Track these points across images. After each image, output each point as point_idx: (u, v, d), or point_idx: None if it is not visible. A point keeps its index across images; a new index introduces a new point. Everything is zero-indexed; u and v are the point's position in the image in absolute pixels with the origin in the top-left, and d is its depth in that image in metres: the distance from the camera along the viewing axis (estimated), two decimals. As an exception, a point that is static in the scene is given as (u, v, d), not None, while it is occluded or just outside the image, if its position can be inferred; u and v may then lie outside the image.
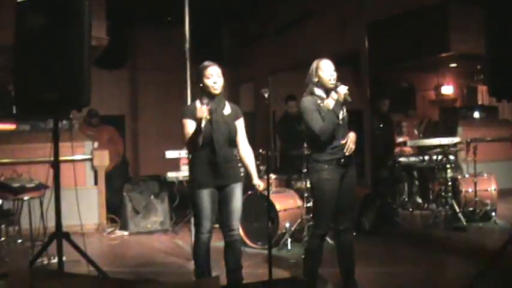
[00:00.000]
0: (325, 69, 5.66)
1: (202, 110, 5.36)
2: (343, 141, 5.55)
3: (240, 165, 8.42)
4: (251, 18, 14.76)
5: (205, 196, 5.58)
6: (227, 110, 5.76)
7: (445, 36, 10.82)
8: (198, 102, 5.65)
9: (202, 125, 5.36)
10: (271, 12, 14.05)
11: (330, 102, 5.52)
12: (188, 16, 7.77)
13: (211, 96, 5.58)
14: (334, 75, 5.63)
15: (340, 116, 5.59)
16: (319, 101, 5.60)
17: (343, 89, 5.52)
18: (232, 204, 5.71)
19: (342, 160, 5.57)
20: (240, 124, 5.83)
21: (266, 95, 5.57)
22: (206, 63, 5.70)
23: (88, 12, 5.61)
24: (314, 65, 5.74)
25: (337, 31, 11.80)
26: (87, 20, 5.61)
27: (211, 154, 5.56)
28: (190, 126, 5.56)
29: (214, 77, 5.60)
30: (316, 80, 5.69)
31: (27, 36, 5.61)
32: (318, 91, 5.68)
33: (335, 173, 5.60)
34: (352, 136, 5.59)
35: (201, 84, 5.66)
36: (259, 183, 5.85)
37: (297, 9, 13.04)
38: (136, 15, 13.98)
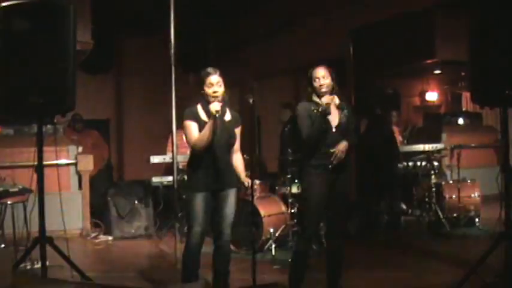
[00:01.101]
0: (316, 78, 5.70)
1: (215, 105, 5.43)
2: (332, 150, 5.57)
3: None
4: (236, 25, 14.76)
5: (200, 200, 5.59)
6: (227, 116, 5.78)
7: (430, 42, 10.89)
8: (199, 106, 5.69)
9: (216, 117, 5.42)
10: (256, 18, 14.06)
11: (320, 109, 5.55)
12: (173, 21, 7.76)
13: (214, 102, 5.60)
14: (324, 82, 5.66)
15: (335, 123, 5.62)
16: (313, 107, 5.62)
17: (325, 99, 5.57)
18: (226, 209, 5.71)
19: (330, 166, 5.59)
20: (238, 131, 5.85)
21: (250, 101, 5.58)
22: (208, 70, 5.73)
23: (73, 16, 5.61)
24: (309, 73, 5.78)
25: (322, 38, 11.83)
26: (72, 24, 5.60)
27: (211, 158, 5.59)
28: (194, 127, 5.60)
29: (214, 86, 5.64)
30: (310, 88, 5.74)
31: (11, 40, 5.59)
32: (315, 97, 5.71)
33: (323, 178, 5.62)
34: (341, 146, 5.60)
35: (202, 91, 5.69)
36: (247, 180, 5.82)
37: (282, 15, 13.05)
38: (122, 20, 13.95)
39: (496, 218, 9.42)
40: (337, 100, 5.75)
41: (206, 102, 5.63)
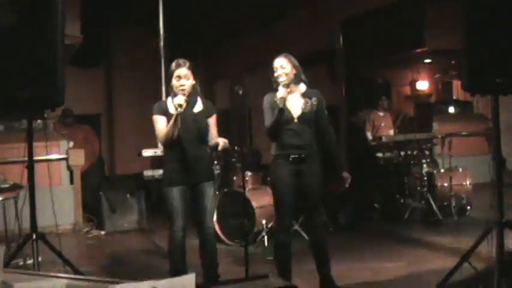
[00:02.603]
0: (275, 68, 5.73)
1: (179, 98, 5.42)
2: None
3: (216, 162, 8.44)
4: (227, 16, 14.72)
5: (176, 194, 5.59)
6: (198, 107, 5.75)
7: (420, 32, 10.91)
8: (169, 100, 5.68)
9: (178, 111, 5.38)
10: (247, 10, 14.02)
11: (278, 101, 5.57)
12: (162, 14, 7.75)
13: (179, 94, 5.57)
14: (282, 71, 5.67)
15: (296, 114, 5.62)
16: (275, 99, 5.64)
17: (279, 93, 5.58)
18: (204, 202, 5.70)
19: (292, 157, 5.61)
20: (212, 121, 5.82)
21: (240, 92, 5.58)
22: (174, 64, 5.69)
23: (61, 10, 5.57)
24: (272, 63, 5.79)
25: (312, 29, 11.83)
26: (60, 18, 5.56)
27: (180, 152, 5.58)
28: (161, 121, 5.60)
29: (182, 79, 5.60)
30: (274, 79, 5.76)
31: (0, 34, 5.55)
32: (279, 88, 5.72)
33: (287, 169, 5.65)
34: (346, 178, 5.81)
35: (171, 84, 5.68)
36: (223, 140, 5.74)
37: (273, 7, 13.02)
38: (111, 13, 13.90)
39: (487, 206, 9.52)
40: (302, 88, 5.75)
41: (174, 95, 5.62)
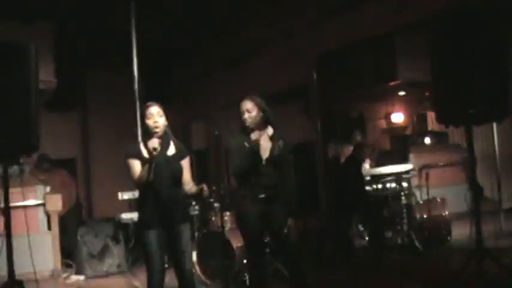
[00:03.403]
0: (242, 112, 5.82)
1: (154, 141, 5.40)
2: None
3: (194, 203, 8.40)
4: (200, 56, 14.79)
5: (153, 237, 5.52)
6: (171, 150, 5.73)
7: (392, 64, 11.01)
8: (141, 142, 5.67)
9: (153, 155, 5.36)
10: (219, 48, 14.10)
11: (249, 142, 5.63)
12: (136, 56, 7.77)
13: (153, 136, 5.56)
14: (249, 115, 5.73)
15: (266, 155, 5.64)
16: (244, 139, 5.70)
17: (253, 136, 5.66)
18: (181, 245, 5.64)
19: (260, 196, 5.63)
20: (186, 164, 5.79)
21: (216, 133, 5.61)
22: (148, 103, 5.72)
23: (34, 56, 5.57)
24: (240, 106, 5.85)
25: (285, 65, 11.89)
26: (33, 64, 5.57)
27: (155, 195, 5.52)
28: (136, 165, 5.55)
29: (155, 116, 5.60)
30: (241, 121, 5.84)
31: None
32: (246, 129, 5.75)
33: (253, 208, 5.67)
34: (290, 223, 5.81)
35: (145, 125, 5.68)
36: (203, 188, 5.72)
37: (247, 43, 13.10)
38: (85, 57, 13.92)
39: (466, 235, 9.55)
40: (270, 131, 5.79)
41: (148, 137, 5.60)
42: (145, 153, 5.53)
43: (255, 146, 5.55)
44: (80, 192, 13.80)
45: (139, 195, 5.72)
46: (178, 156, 5.73)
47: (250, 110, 5.71)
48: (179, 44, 13.77)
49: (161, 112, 5.63)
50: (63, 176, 11.65)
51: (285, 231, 5.82)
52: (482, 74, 5.03)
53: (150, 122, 5.59)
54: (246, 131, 5.76)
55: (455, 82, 5.08)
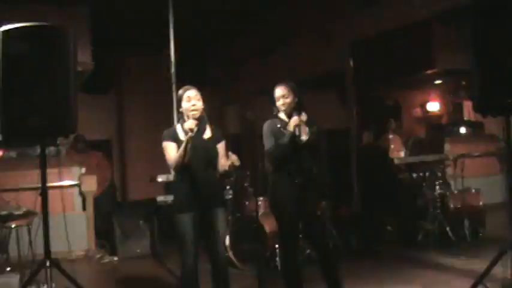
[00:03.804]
0: (277, 97, 5.81)
1: (191, 123, 5.43)
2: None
3: (228, 187, 8.44)
4: (236, 40, 14.79)
5: (187, 220, 5.56)
6: (207, 133, 5.76)
7: (429, 52, 10.91)
8: (178, 126, 5.69)
9: (189, 135, 5.40)
10: (256, 33, 14.08)
11: (286, 127, 5.62)
12: (173, 40, 7.79)
13: (190, 119, 5.58)
14: (285, 101, 5.72)
15: (301, 141, 5.63)
16: (279, 125, 5.68)
17: (293, 121, 5.62)
18: (215, 228, 5.68)
19: (297, 181, 5.63)
20: (221, 148, 5.83)
21: (251, 118, 5.61)
22: (185, 87, 5.74)
23: (73, 39, 5.62)
24: (274, 91, 5.85)
25: (322, 51, 11.85)
26: (72, 46, 5.62)
27: (191, 178, 5.56)
28: (171, 147, 5.59)
29: (192, 100, 5.62)
30: (275, 107, 5.85)
31: (12, 63, 5.60)
32: (280, 114, 5.78)
33: (290, 193, 5.68)
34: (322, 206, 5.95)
35: (181, 109, 5.70)
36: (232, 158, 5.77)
37: (282, 29, 13.07)
38: (122, 40, 13.98)
39: (501, 227, 9.45)
40: (304, 116, 5.78)
41: (183, 121, 5.64)
42: (181, 136, 5.56)
43: (293, 131, 5.55)
44: (115, 174, 13.94)
45: (175, 177, 5.76)
46: (214, 139, 5.76)
47: (285, 96, 5.72)
48: (215, 28, 13.77)
49: (198, 95, 5.66)
50: (99, 158, 11.76)
51: (318, 214, 5.85)
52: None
53: (187, 105, 5.62)
54: (281, 116, 5.77)
55: (494, 71, 5.01)
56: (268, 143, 5.71)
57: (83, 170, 10.57)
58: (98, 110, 14.75)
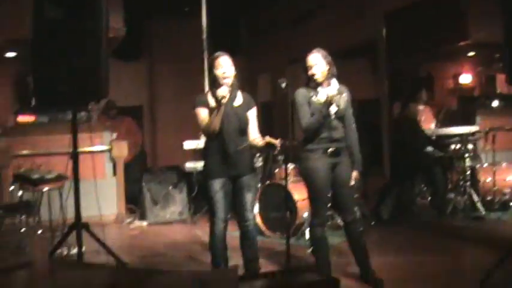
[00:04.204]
0: (314, 65, 5.73)
1: (223, 89, 5.45)
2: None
3: (258, 155, 8.45)
4: (268, 8, 14.72)
5: (218, 186, 5.60)
6: (239, 100, 5.77)
7: (463, 24, 10.78)
8: (209, 93, 5.70)
9: (222, 102, 5.41)
10: (288, 1, 14.01)
11: (320, 98, 5.57)
12: (205, 7, 7.77)
13: (222, 86, 5.58)
14: (317, 70, 5.67)
15: (333, 110, 5.59)
16: (311, 93, 5.64)
17: (331, 91, 5.57)
18: (245, 195, 5.72)
19: (329, 150, 5.62)
20: (252, 114, 5.83)
21: (283, 85, 5.57)
22: (217, 53, 5.74)
23: (105, 4, 5.64)
24: (305, 60, 5.79)
25: (354, 21, 11.76)
26: (104, 11, 5.64)
27: (222, 145, 5.58)
28: (203, 113, 5.60)
29: (224, 67, 5.62)
30: (306, 76, 5.79)
31: (45, 28, 5.64)
32: (312, 84, 5.73)
33: (323, 163, 5.66)
34: (355, 177, 5.84)
35: (212, 75, 5.69)
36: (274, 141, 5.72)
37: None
38: (152, 6, 13.96)
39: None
40: (335, 84, 5.74)
41: (215, 87, 5.62)
42: (213, 103, 5.57)
43: (327, 100, 5.52)
44: (145, 140, 14.01)
45: (206, 144, 5.77)
46: (245, 106, 5.76)
47: (319, 64, 5.69)
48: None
49: (231, 62, 5.66)
50: (129, 124, 11.82)
51: (352, 183, 5.84)
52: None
53: (219, 72, 5.61)
54: (313, 84, 5.73)
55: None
56: (302, 112, 5.66)
57: (114, 135, 10.63)
58: (129, 77, 14.80)
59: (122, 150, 10.41)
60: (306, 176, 5.79)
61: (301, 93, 5.73)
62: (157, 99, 15.74)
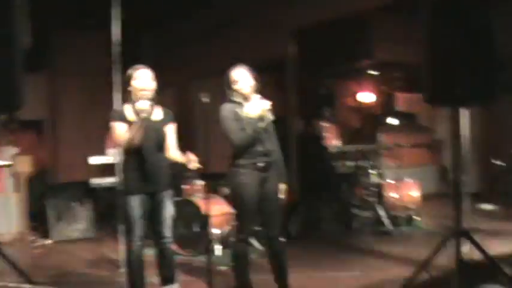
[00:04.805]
0: (241, 80, 5.72)
1: (144, 103, 5.32)
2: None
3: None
4: (175, 24, 14.63)
5: (136, 203, 5.47)
6: (158, 115, 5.68)
7: (367, 44, 11.02)
8: (127, 106, 5.57)
9: (143, 116, 5.31)
10: (197, 16, 13.96)
11: (250, 111, 5.56)
12: (115, 20, 7.65)
13: (141, 100, 5.45)
14: (246, 84, 5.71)
15: (263, 124, 5.60)
16: (237, 109, 5.63)
17: (265, 105, 5.57)
18: (163, 212, 5.61)
19: (260, 165, 5.62)
20: (171, 129, 5.75)
21: (206, 100, 5.50)
22: (135, 66, 5.65)
23: (19, 15, 5.50)
24: (230, 74, 5.78)
25: (262, 38, 11.83)
26: (18, 23, 5.49)
27: (140, 160, 5.46)
28: (121, 127, 5.44)
29: (143, 80, 5.54)
30: (233, 89, 5.76)
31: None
32: (237, 98, 5.72)
33: (253, 178, 5.64)
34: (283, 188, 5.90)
35: (131, 88, 5.58)
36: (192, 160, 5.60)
37: (222, 15, 13.00)
38: (56, 17, 13.64)
39: (434, 216, 9.68)
40: (257, 98, 5.76)
41: (133, 101, 5.51)
42: (131, 117, 5.43)
43: (262, 113, 5.50)
44: (47, 155, 13.65)
45: (124, 160, 5.61)
46: (165, 121, 5.68)
47: (245, 78, 5.68)
48: (152, 11, 13.57)
49: (151, 76, 5.58)
50: (32, 138, 11.52)
51: (281, 197, 5.84)
52: (473, 55, 5.05)
53: (138, 85, 5.50)
54: (239, 99, 5.70)
55: (446, 62, 5.10)
56: (231, 127, 5.59)
57: (16, 150, 10.32)
58: (30, 89, 14.31)
59: (24, 165, 10.12)
60: (235, 192, 5.74)
61: (227, 108, 5.68)
62: (60, 113, 15.35)
